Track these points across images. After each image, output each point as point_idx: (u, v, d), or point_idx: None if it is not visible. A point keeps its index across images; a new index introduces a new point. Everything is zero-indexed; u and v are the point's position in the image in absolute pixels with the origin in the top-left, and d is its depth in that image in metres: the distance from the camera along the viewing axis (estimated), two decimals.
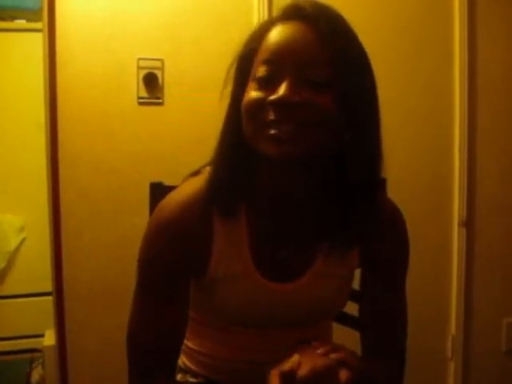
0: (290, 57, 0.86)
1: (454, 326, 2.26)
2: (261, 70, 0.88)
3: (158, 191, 1.17)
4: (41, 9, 1.97)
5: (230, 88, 0.95)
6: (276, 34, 0.89)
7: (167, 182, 1.21)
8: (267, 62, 0.88)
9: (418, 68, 2.20)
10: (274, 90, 0.85)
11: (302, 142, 0.85)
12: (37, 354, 2.51)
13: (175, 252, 0.95)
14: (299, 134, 0.84)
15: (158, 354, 0.97)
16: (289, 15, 0.90)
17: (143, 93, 1.99)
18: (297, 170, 0.90)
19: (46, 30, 1.90)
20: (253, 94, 0.88)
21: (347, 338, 1.09)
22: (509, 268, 2.31)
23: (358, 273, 1.09)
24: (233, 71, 0.95)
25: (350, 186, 0.92)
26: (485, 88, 2.24)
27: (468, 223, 2.24)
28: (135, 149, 1.99)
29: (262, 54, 0.89)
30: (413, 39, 2.19)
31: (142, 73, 1.99)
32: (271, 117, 0.85)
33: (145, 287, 0.98)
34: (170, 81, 2.01)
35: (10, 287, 3.17)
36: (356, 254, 1.03)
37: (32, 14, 3.11)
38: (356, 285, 1.13)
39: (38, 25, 2.21)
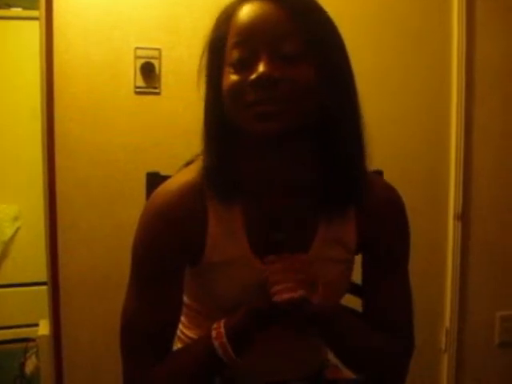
0: (260, 35, 0.87)
1: (448, 319, 2.27)
2: (234, 54, 0.89)
3: (155, 181, 1.17)
4: None
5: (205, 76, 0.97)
6: (243, 15, 0.90)
7: (164, 172, 1.21)
8: (239, 44, 0.88)
9: (415, 63, 2.19)
10: (251, 70, 0.86)
11: (286, 117, 0.86)
12: (31, 344, 2.51)
13: (169, 237, 0.96)
14: (283, 110, 0.85)
15: (154, 341, 0.97)
16: None
17: (140, 82, 1.98)
18: (284, 146, 0.91)
19: (43, 18, 1.88)
20: (232, 77, 0.88)
21: None
22: (503, 261, 2.31)
23: (358, 264, 1.08)
24: (205, 59, 0.96)
25: (335, 151, 0.92)
26: (482, 83, 2.24)
27: (463, 216, 2.24)
28: (132, 138, 1.98)
29: (233, 38, 0.90)
30: (411, 34, 2.17)
31: (139, 62, 1.97)
32: (253, 97, 0.85)
33: (139, 274, 0.99)
34: (167, 70, 2.00)
35: (4, 276, 3.17)
36: (353, 237, 1.02)
37: (28, 2, 3.08)
38: (357, 280, 1.12)
39: (34, 13, 2.19)
